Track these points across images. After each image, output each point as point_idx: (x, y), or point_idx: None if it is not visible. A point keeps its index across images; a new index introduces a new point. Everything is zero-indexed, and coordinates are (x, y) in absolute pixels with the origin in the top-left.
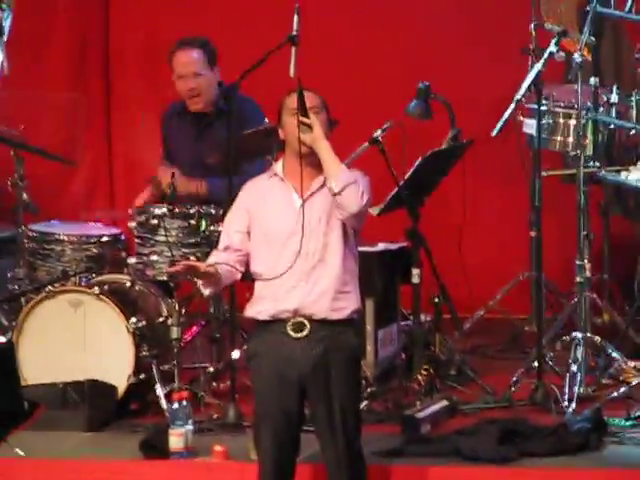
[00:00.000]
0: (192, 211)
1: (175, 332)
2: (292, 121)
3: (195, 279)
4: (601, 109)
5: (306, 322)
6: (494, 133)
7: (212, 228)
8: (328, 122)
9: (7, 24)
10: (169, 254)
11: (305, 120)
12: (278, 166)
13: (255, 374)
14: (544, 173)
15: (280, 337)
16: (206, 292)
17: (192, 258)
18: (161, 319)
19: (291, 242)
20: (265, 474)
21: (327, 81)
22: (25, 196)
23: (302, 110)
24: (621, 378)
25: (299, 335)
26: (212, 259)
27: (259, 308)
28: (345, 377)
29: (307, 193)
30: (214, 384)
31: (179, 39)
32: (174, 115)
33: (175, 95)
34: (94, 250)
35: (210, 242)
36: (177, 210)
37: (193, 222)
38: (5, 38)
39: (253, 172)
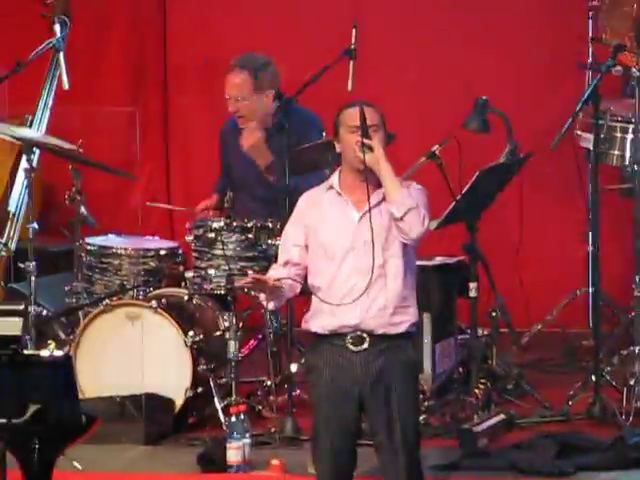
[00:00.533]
0: (250, 225)
1: (232, 346)
2: (350, 138)
3: (261, 293)
4: None
5: (365, 336)
6: (552, 147)
7: (270, 242)
8: (386, 137)
9: (65, 39)
10: (226, 268)
11: (367, 142)
12: (334, 179)
13: (313, 387)
14: (602, 187)
15: (339, 350)
16: (270, 306)
17: (250, 272)
18: (219, 333)
19: (347, 258)
20: None
21: (384, 95)
22: (83, 210)
23: (363, 130)
24: None
25: (358, 348)
26: (272, 273)
27: (318, 322)
28: (404, 390)
29: (365, 209)
30: (271, 398)
31: (236, 58)
32: (230, 131)
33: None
34: (151, 264)
35: (268, 256)
36: (235, 224)
37: (251, 236)
38: (63, 53)
39: (307, 185)
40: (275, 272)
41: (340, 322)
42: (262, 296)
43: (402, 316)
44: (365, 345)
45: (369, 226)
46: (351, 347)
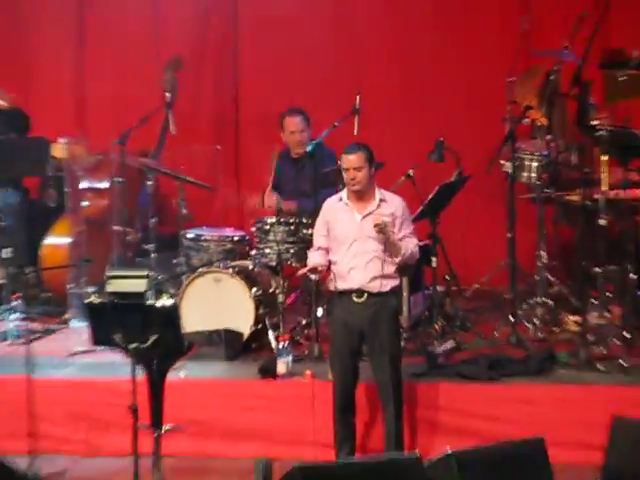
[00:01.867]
0: (291, 220)
1: (281, 298)
2: (345, 174)
3: (312, 274)
4: (552, 155)
5: (365, 293)
6: (486, 171)
7: (304, 231)
8: (374, 167)
9: (174, 100)
10: (276, 248)
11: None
12: (344, 195)
13: (331, 325)
14: (517, 196)
15: (348, 301)
16: (314, 277)
17: (291, 251)
18: (271, 289)
19: (353, 245)
20: (337, 388)
21: (378, 138)
22: (184, 210)
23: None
24: (566, 327)
25: (360, 300)
26: (316, 259)
27: (335, 284)
28: (389, 326)
29: (364, 213)
30: (305, 331)
31: (288, 108)
32: (282, 157)
33: (282, 145)
34: (229, 245)
35: (303, 240)
36: (282, 220)
37: (292, 228)
38: (172, 109)
39: (327, 195)
40: (316, 257)
41: (349, 285)
42: (311, 274)
43: (388, 281)
44: (364, 298)
45: (367, 224)
46: (355, 299)
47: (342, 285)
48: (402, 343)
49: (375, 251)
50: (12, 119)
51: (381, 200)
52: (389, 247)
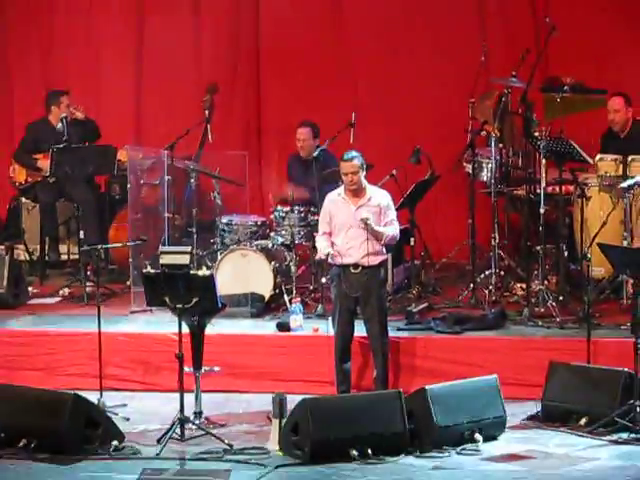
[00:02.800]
0: (302, 209)
1: (293, 269)
2: (344, 178)
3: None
4: (503, 159)
5: (359, 266)
6: (453, 170)
7: (312, 217)
8: (365, 168)
9: (212, 115)
10: (290, 230)
11: (364, 224)
12: (341, 191)
13: (334, 290)
14: (476, 191)
15: (347, 272)
16: (326, 258)
17: (302, 233)
18: (286, 262)
19: (349, 230)
20: (337, 341)
21: (369, 146)
22: (219, 202)
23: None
24: (514, 292)
25: (356, 271)
26: (325, 244)
27: (336, 260)
28: (378, 292)
29: (357, 205)
30: (312, 294)
31: (302, 121)
32: (294, 158)
33: (293, 148)
34: (254, 229)
35: (311, 224)
36: (295, 208)
37: (302, 215)
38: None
39: (330, 189)
40: (323, 241)
41: (347, 260)
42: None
43: (377, 257)
44: (359, 270)
45: (360, 214)
46: (352, 271)
47: (342, 261)
48: (388, 304)
49: (366, 234)
50: (86, 129)
51: (370, 194)
52: (372, 234)
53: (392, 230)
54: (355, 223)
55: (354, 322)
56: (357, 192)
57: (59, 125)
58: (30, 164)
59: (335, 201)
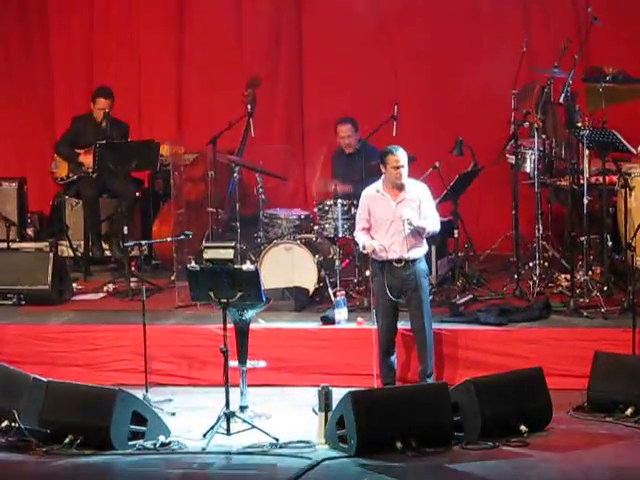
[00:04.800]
0: (345, 202)
1: (337, 262)
2: (392, 171)
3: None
4: (547, 150)
5: (402, 260)
6: (495, 162)
7: (355, 210)
8: (410, 160)
9: (253, 110)
10: (334, 224)
11: (410, 225)
12: (379, 186)
13: (377, 283)
14: (520, 182)
15: (390, 267)
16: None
17: (345, 226)
18: (330, 256)
19: (391, 226)
20: (382, 334)
21: (411, 138)
22: (263, 196)
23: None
24: (558, 283)
25: (399, 265)
26: (363, 237)
27: (381, 254)
28: (421, 283)
29: (398, 199)
30: (357, 287)
31: (340, 117)
32: (338, 154)
33: (336, 144)
34: (297, 222)
35: (354, 218)
36: (338, 201)
37: (346, 208)
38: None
39: (370, 182)
40: (364, 238)
41: (391, 256)
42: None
43: (418, 250)
44: (402, 264)
45: (400, 209)
46: (396, 265)
47: (385, 256)
48: (431, 296)
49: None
50: (120, 130)
51: (409, 188)
52: (415, 230)
53: (432, 223)
54: (395, 218)
55: (397, 315)
56: (398, 187)
57: (104, 123)
58: (72, 157)
59: (373, 197)
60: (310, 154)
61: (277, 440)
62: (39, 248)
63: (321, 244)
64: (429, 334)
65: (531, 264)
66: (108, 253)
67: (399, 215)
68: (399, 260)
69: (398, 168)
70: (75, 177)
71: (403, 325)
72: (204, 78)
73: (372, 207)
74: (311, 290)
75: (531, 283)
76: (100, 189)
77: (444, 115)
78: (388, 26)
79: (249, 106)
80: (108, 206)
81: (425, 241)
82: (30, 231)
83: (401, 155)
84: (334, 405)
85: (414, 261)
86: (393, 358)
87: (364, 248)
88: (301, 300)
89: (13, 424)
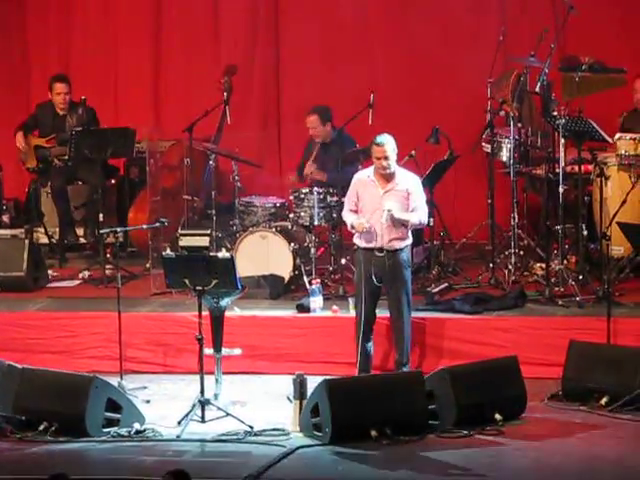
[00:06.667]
0: (321, 190)
1: (313, 250)
2: (376, 162)
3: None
4: (522, 139)
5: (384, 249)
6: (472, 150)
7: (330, 199)
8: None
9: (229, 98)
10: (309, 212)
11: (387, 215)
12: (370, 172)
13: (357, 272)
14: (495, 171)
15: (371, 254)
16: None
17: (321, 214)
18: (305, 244)
19: (375, 213)
20: (360, 322)
21: (387, 126)
22: (239, 184)
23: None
24: (533, 272)
25: (381, 254)
26: (352, 216)
27: (362, 242)
28: (401, 273)
29: (385, 189)
30: (332, 276)
31: (310, 109)
32: (311, 142)
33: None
34: (272, 210)
35: (329, 205)
36: (314, 189)
37: (321, 196)
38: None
39: (350, 171)
40: (353, 217)
41: (371, 244)
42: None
43: (399, 242)
44: (383, 253)
45: (387, 198)
46: (377, 253)
47: (367, 244)
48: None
49: (391, 219)
50: (87, 116)
51: (399, 179)
52: (399, 223)
53: (418, 217)
54: (380, 207)
55: (377, 303)
56: (387, 176)
57: (80, 109)
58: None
59: (364, 182)
60: (286, 142)
61: (252, 428)
62: (14, 235)
63: (297, 232)
64: (407, 324)
65: (506, 253)
66: (83, 240)
67: (384, 205)
68: (380, 249)
69: (380, 159)
70: (43, 167)
71: (379, 313)
72: (180, 65)
73: (361, 191)
74: (286, 278)
75: (506, 272)
76: (69, 178)
77: (420, 103)
78: (366, 14)
79: (225, 94)
80: (83, 192)
81: (409, 233)
82: (6, 218)
83: (387, 146)
84: (309, 393)
85: (395, 251)
86: (370, 345)
87: (352, 227)
88: (276, 288)
89: None
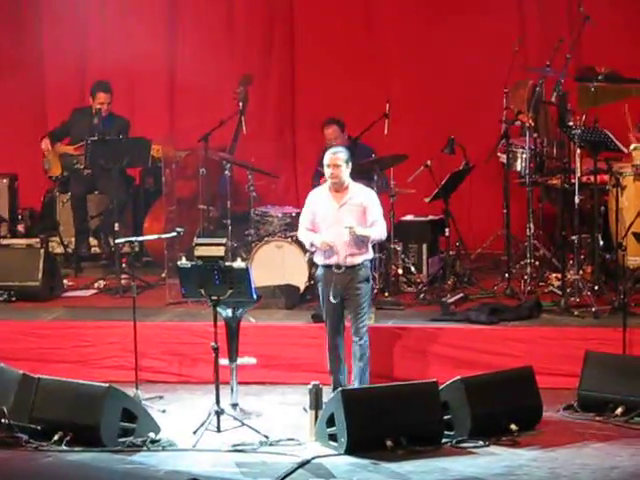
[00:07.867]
0: None
1: None
2: (326, 170)
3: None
4: (538, 149)
5: (342, 266)
6: (486, 161)
7: None
8: (349, 165)
9: (245, 109)
10: None
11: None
12: (326, 186)
13: (321, 289)
14: (511, 181)
15: (331, 272)
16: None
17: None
18: None
19: (332, 228)
20: (329, 330)
21: (403, 136)
22: (254, 193)
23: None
24: (549, 282)
25: (339, 271)
26: (310, 233)
27: (321, 259)
28: (362, 289)
29: (341, 202)
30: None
31: (327, 118)
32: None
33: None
34: (288, 220)
35: None
36: None
37: None
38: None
39: (364, 183)
40: (315, 235)
41: (329, 261)
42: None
43: (359, 257)
44: (342, 270)
45: (343, 212)
46: (336, 270)
47: (325, 261)
48: (422, 295)
49: (349, 234)
50: (120, 125)
51: (352, 193)
52: (359, 238)
53: (377, 231)
54: (336, 222)
55: (343, 314)
56: (339, 188)
57: (95, 119)
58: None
59: (318, 198)
60: (302, 152)
61: (267, 438)
62: (30, 244)
63: None
64: (365, 340)
65: (522, 263)
66: (97, 250)
67: (341, 220)
68: (338, 266)
69: (329, 167)
70: (68, 175)
71: (395, 323)
72: (196, 75)
73: (316, 207)
74: (302, 288)
75: (522, 282)
76: (89, 187)
77: (436, 113)
78: (380, 24)
79: (241, 103)
80: (100, 202)
81: (370, 247)
82: (21, 227)
83: (339, 155)
84: (324, 403)
85: (353, 267)
86: (340, 351)
87: (312, 245)
88: (292, 298)
89: (3, 420)
